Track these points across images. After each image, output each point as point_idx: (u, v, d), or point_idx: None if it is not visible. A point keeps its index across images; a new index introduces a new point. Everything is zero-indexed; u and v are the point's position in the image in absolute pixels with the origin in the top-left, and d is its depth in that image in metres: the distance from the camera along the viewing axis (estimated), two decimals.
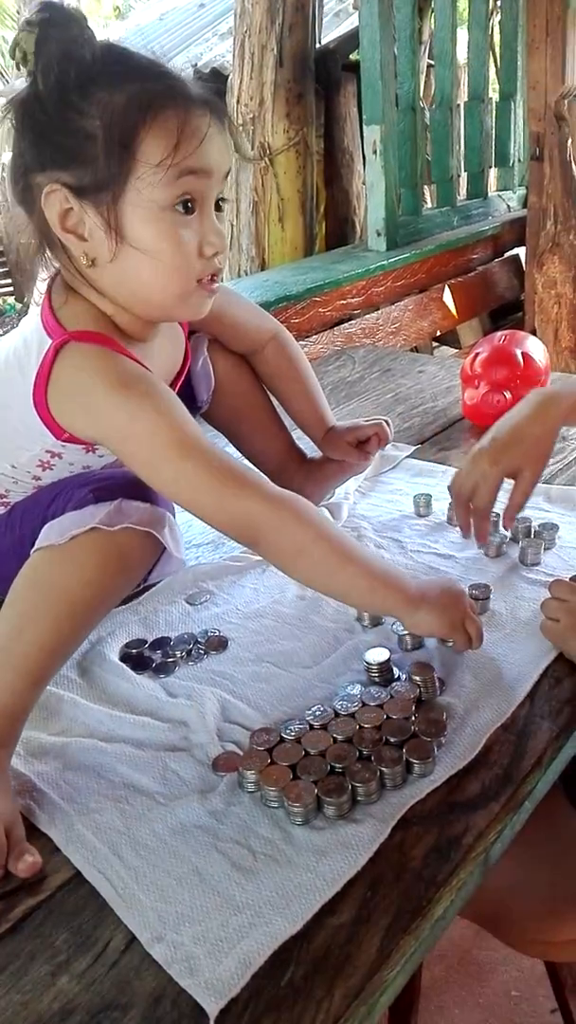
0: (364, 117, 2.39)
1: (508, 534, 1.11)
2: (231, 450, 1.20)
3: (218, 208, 0.88)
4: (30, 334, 0.89)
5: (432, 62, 3.00)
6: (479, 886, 0.70)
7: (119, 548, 0.86)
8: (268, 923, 0.62)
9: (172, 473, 0.84)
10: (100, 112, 0.79)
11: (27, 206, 0.86)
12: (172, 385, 1.02)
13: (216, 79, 3.71)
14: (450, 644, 0.89)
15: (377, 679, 0.86)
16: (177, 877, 0.67)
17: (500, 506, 1.05)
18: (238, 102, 2.92)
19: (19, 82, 0.84)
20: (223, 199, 0.89)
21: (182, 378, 1.06)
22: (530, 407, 1.06)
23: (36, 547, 0.86)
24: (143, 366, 0.89)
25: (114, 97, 0.79)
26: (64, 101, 0.80)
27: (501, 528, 1.10)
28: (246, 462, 0.97)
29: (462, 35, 3.22)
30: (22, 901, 0.67)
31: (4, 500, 0.98)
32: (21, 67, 0.81)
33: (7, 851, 0.69)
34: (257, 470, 0.88)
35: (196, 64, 4.15)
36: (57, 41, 0.79)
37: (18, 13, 9.35)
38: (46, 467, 0.94)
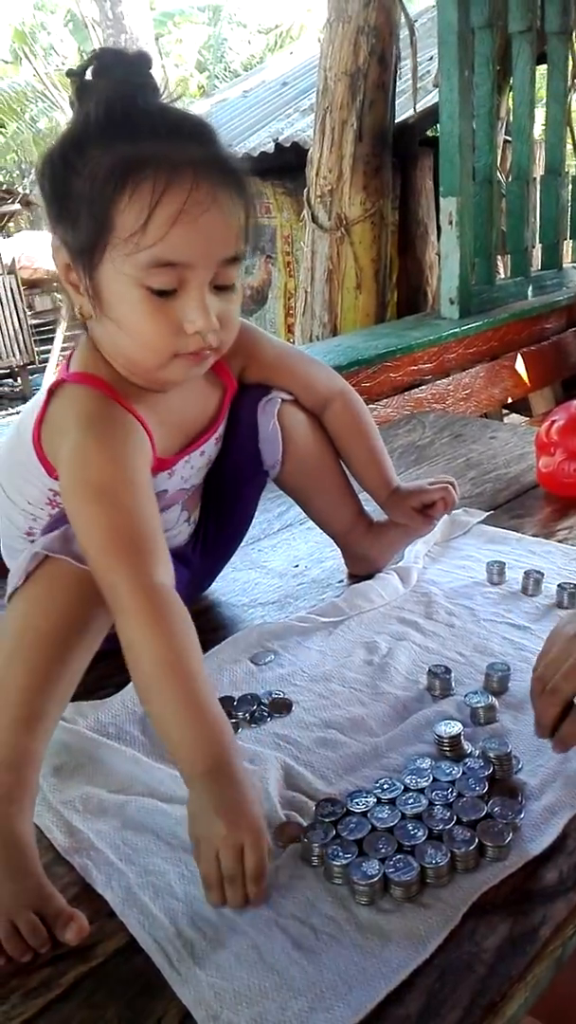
0: (441, 189, 2.42)
1: None
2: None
3: (222, 290, 0.83)
4: (47, 382, 0.92)
5: (509, 138, 3.05)
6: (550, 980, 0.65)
7: (78, 576, 0.81)
8: (329, 1010, 0.59)
9: (74, 510, 0.81)
10: (88, 172, 0.77)
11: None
12: (197, 440, 1.01)
13: (296, 153, 3.84)
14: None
15: (448, 753, 0.83)
16: (236, 953, 0.64)
17: None
18: (317, 174, 3.00)
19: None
20: (225, 286, 0.83)
21: (212, 433, 1.03)
22: None
23: (6, 596, 0.85)
24: (134, 413, 0.88)
25: (103, 157, 0.77)
26: (66, 157, 0.79)
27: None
28: (160, 537, 0.82)
29: (539, 112, 3.28)
30: (73, 966, 0.65)
31: (31, 537, 0.99)
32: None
33: (45, 931, 0.66)
34: (159, 544, 0.80)
35: (278, 139, 4.30)
36: (100, 91, 0.78)
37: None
38: (55, 505, 0.95)
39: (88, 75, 0.80)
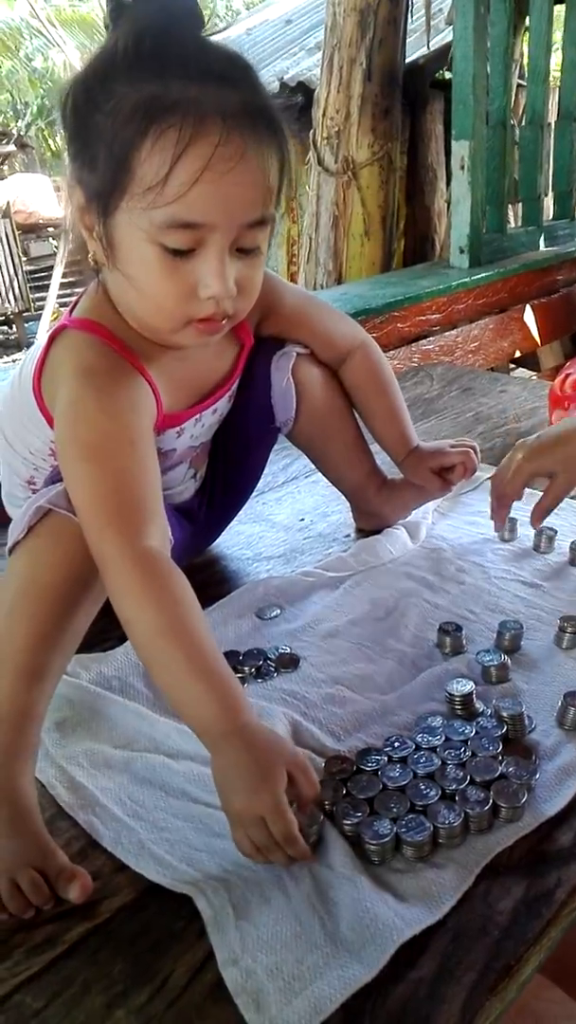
0: (453, 132, 2.34)
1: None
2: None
3: (245, 253, 0.77)
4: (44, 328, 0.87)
5: (522, 82, 2.95)
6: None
7: (82, 531, 0.77)
8: (343, 967, 0.57)
9: (66, 467, 0.78)
10: (111, 110, 0.70)
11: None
12: (209, 398, 0.96)
13: (302, 93, 3.72)
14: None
15: (460, 712, 0.81)
16: (267, 897, 0.63)
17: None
18: (324, 115, 2.91)
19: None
20: (247, 249, 0.77)
21: (225, 391, 0.99)
22: (564, 425, 1.07)
23: (7, 548, 0.83)
24: (140, 368, 0.84)
25: (128, 96, 0.70)
26: (89, 89, 0.72)
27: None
28: (156, 501, 0.78)
29: (555, 56, 3.16)
30: (78, 923, 0.64)
31: (33, 487, 0.96)
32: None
33: (47, 888, 0.65)
34: (153, 509, 0.76)
35: (283, 78, 4.16)
36: (135, 16, 0.71)
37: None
38: (56, 455, 0.90)
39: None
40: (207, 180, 0.70)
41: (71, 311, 0.87)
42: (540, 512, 1.07)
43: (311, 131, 3.01)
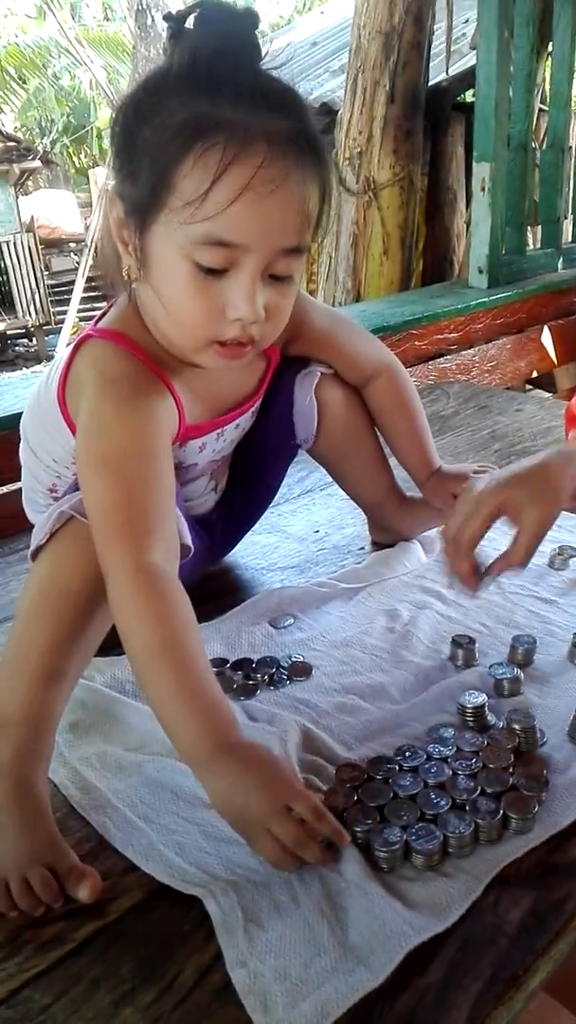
0: (475, 154, 2.36)
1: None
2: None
3: (277, 280, 0.78)
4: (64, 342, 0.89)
5: (544, 106, 2.97)
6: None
7: None
8: (350, 972, 0.58)
9: (82, 477, 0.79)
10: (158, 124, 0.72)
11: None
12: (232, 412, 0.97)
13: (325, 114, 3.76)
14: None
15: (472, 724, 0.81)
16: (276, 901, 0.63)
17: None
18: (346, 136, 2.94)
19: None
20: (280, 276, 0.77)
21: (248, 407, 1.00)
22: (540, 455, 0.90)
23: (30, 552, 0.84)
24: (163, 378, 0.85)
25: (177, 112, 0.71)
26: (139, 104, 0.74)
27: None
28: (167, 514, 0.78)
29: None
30: (87, 922, 0.64)
31: (55, 495, 0.97)
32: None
33: (57, 886, 0.65)
34: (163, 522, 0.77)
35: (307, 99, 4.20)
36: (193, 41, 0.73)
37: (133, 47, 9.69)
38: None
39: (188, 23, 0.74)
40: (246, 200, 0.71)
41: (96, 322, 0.88)
42: (506, 563, 0.86)
43: (333, 151, 3.04)
